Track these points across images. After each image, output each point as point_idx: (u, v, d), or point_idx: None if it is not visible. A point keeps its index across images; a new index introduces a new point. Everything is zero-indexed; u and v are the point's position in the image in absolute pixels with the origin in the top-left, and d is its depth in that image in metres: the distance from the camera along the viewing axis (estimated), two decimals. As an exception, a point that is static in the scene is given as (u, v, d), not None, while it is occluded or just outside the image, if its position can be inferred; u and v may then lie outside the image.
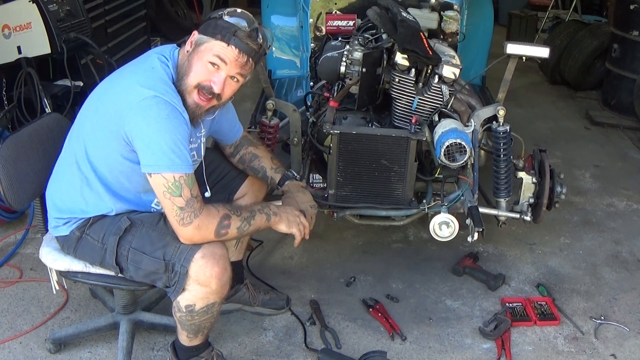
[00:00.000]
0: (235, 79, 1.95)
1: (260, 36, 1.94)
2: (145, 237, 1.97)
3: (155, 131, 1.83)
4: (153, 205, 2.09)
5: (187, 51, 1.94)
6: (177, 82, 1.93)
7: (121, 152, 1.92)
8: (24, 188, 2.08)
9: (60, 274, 2.12)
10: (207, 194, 2.13)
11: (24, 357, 2.36)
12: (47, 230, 2.18)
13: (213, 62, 1.90)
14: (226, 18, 1.91)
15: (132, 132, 1.85)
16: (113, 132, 1.89)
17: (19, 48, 3.26)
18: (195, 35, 1.94)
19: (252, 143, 2.39)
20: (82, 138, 1.99)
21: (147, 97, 1.83)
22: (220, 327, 2.49)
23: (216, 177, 2.33)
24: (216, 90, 1.92)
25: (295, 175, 2.41)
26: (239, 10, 1.95)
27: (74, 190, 2.01)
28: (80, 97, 3.44)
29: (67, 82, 3.41)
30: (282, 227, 2.10)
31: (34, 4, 3.20)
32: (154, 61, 1.95)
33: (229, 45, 1.88)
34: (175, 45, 2.03)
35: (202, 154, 2.13)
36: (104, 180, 1.98)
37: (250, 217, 2.00)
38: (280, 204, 2.26)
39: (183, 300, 1.95)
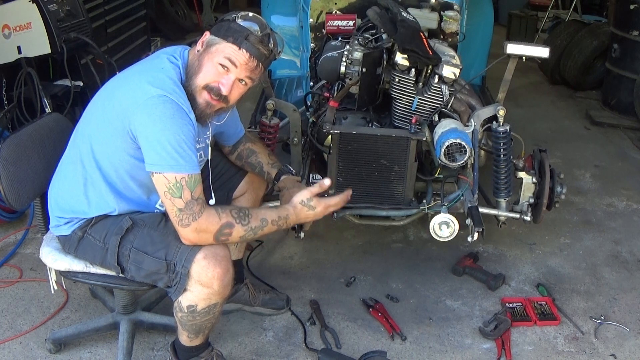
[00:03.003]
0: (243, 82, 1.96)
1: (272, 42, 1.96)
2: (147, 237, 1.96)
3: (160, 130, 1.83)
4: (157, 206, 2.09)
5: (198, 51, 1.95)
6: (186, 82, 1.93)
7: (127, 149, 1.92)
8: (24, 188, 2.08)
9: (61, 273, 2.12)
10: (212, 202, 2.06)
11: (24, 357, 2.36)
12: (47, 230, 2.18)
13: (223, 64, 1.90)
14: (239, 21, 1.92)
15: (137, 130, 1.85)
16: (119, 129, 1.89)
17: (19, 48, 3.26)
18: (207, 35, 1.94)
19: (250, 139, 2.39)
20: (88, 137, 1.98)
21: (153, 96, 1.83)
22: (220, 327, 2.49)
23: (215, 175, 2.32)
24: (224, 92, 1.92)
25: (291, 169, 2.40)
26: (251, 14, 1.96)
27: (77, 189, 2.01)
28: (80, 97, 3.44)
29: (67, 82, 3.41)
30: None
31: (34, 4, 3.20)
32: (164, 61, 1.95)
33: (240, 48, 1.89)
34: (185, 46, 2.03)
35: (209, 154, 2.13)
36: (108, 179, 1.98)
37: (258, 227, 1.95)
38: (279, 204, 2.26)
39: (185, 300, 1.94)
